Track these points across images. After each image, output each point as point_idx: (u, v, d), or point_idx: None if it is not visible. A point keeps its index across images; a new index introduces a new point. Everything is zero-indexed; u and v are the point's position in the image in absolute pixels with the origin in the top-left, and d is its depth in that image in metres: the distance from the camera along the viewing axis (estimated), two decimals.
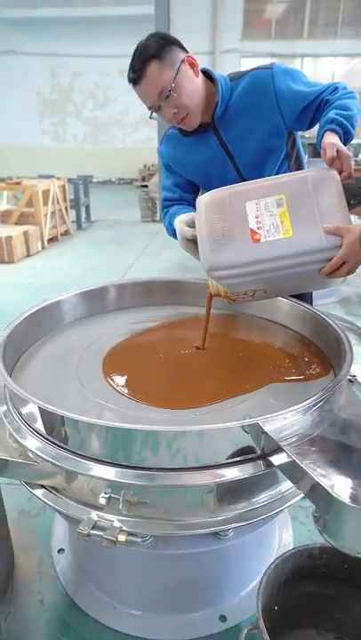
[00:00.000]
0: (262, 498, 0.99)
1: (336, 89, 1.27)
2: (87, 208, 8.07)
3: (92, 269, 5.25)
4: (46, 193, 6.34)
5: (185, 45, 1.27)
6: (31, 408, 1.01)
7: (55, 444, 0.99)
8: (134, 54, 1.22)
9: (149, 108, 1.28)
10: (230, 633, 1.24)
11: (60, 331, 1.51)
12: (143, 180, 13.09)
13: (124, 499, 0.92)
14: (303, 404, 0.94)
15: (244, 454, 0.93)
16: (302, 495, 1.00)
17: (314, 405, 0.95)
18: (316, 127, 1.26)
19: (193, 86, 1.27)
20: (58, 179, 7.08)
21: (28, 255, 5.80)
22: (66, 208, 7.00)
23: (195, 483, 0.91)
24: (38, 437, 1.02)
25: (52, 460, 0.97)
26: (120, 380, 1.20)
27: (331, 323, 1.31)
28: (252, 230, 1.11)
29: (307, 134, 1.37)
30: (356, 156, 6.70)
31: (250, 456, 0.94)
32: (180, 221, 1.36)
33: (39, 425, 1.01)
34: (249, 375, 1.22)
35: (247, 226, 1.12)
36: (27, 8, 13.44)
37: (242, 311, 1.61)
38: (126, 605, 1.29)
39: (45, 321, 1.47)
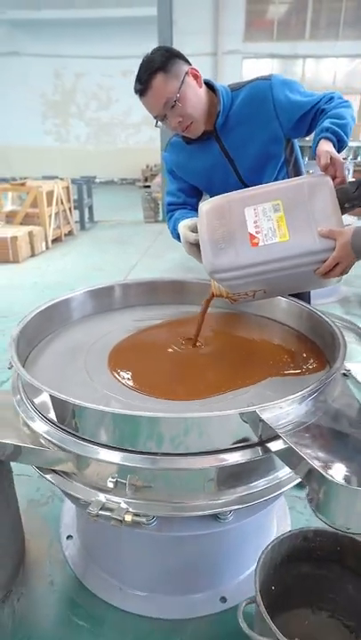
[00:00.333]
0: (260, 482, 1.05)
1: (332, 98, 1.34)
2: (90, 209, 8.14)
3: (95, 269, 5.32)
4: (50, 194, 6.42)
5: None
6: (44, 397, 1.08)
7: (66, 430, 1.06)
8: (140, 67, 1.29)
9: (155, 118, 1.36)
10: (230, 613, 1.31)
11: (68, 327, 1.58)
12: (146, 180, 13.16)
13: (130, 483, 0.99)
14: (298, 394, 1.00)
15: (243, 441, 1.00)
16: (298, 481, 1.07)
17: (309, 396, 1.02)
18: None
19: (196, 97, 1.34)
20: (62, 180, 7.16)
21: (33, 255, 5.88)
22: (70, 209, 7.09)
23: (196, 466, 0.97)
24: (50, 424, 1.09)
25: (62, 446, 1.04)
26: (125, 374, 1.27)
27: (327, 320, 1.38)
28: (250, 235, 1.19)
29: (307, 137, 1.44)
30: (356, 157, 6.77)
31: (249, 442, 1.00)
32: (183, 226, 1.44)
33: (51, 413, 1.09)
34: (249, 370, 1.28)
35: (246, 230, 1.19)
36: (30, 9, 13.52)
37: (242, 310, 1.68)
38: (132, 587, 1.36)
39: (55, 317, 1.54)
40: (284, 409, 0.99)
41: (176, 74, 1.29)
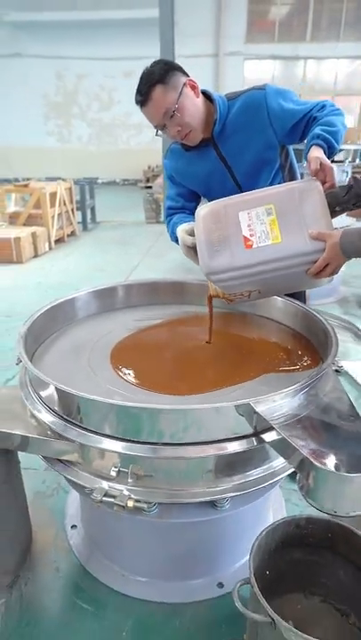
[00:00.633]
0: (256, 472, 1.12)
1: (324, 107, 1.41)
2: (93, 209, 8.20)
3: (97, 270, 5.38)
4: (53, 195, 6.49)
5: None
6: (50, 390, 1.15)
7: (71, 421, 1.13)
8: (140, 80, 1.36)
9: (155, 127, 1.43)
10: (227, 598, 1.37)
11: (72, 326, 1.65)
12: (147, 181, 13.19)
13: (132, 471, 1.06)
14: (290, 388, 1.06)
15: (239, 432, 1.06)
16: (291, 470, 1.14)
17: (301, 390, 1.08)
18: None
19: (194, 106, 1.41)
20: (64, 181, 7.22)
21: (36, 256, 5.95)
22: (72, 210, 7.15)
23: (195, 455, 1.04)
24: (56, 416, 1.15)
25: (68, 436, 1.10)
26: (127, 371, 1.33)
27: (320, 319, 1.44)
28: (245, 237, 1.25)
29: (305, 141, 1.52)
30: (354, 160, 6.82)
31: (244, 434, 1.06)
32: (181, 230, 1.50)
33: (57, 406, 1.15)
34: (246, 367, 1.33)
35: (241, 233, 1.25)
36: (32, 11, 13.57)
37: (239, 310, 1.73)
38: (133, 573, 1.43)
39: (59, 317, 1.61)
40: (278, 402, 1.05)
41: (174, 85, 1.36)
